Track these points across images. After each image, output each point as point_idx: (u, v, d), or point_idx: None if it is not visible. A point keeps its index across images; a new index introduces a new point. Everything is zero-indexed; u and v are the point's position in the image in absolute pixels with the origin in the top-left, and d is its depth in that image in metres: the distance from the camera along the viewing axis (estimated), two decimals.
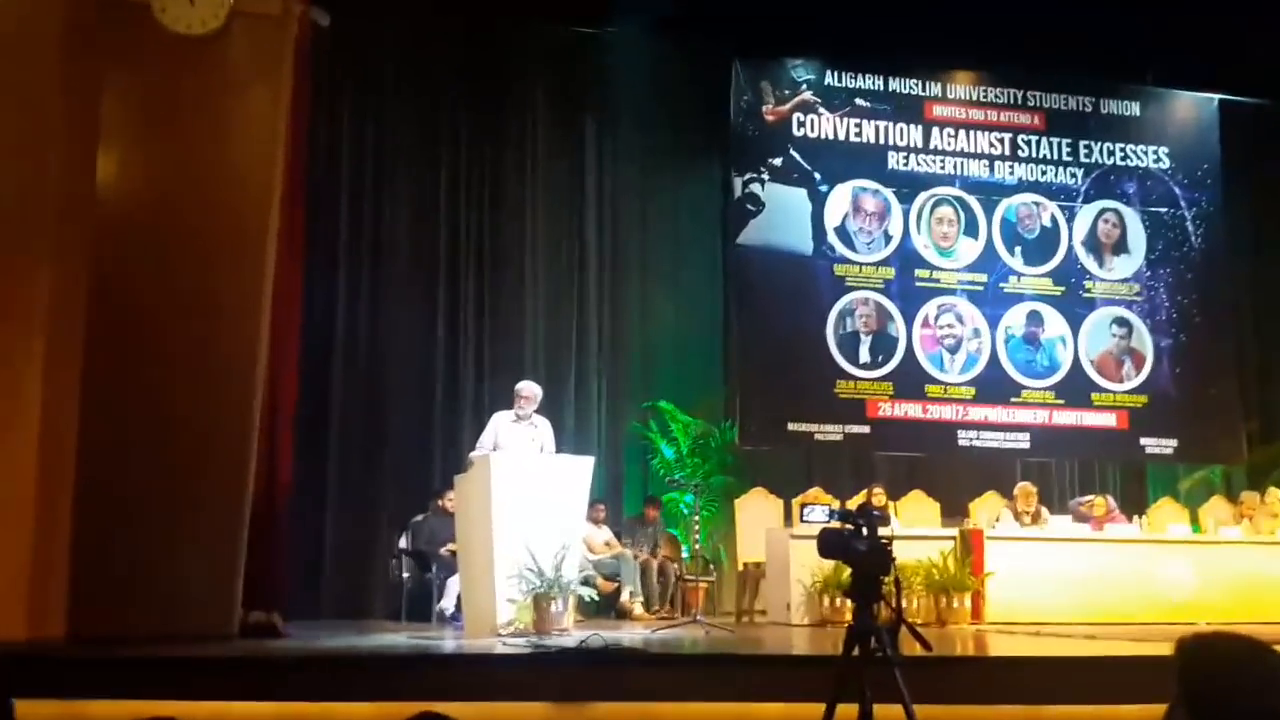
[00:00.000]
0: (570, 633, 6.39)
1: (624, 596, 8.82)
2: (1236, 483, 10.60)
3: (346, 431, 9.62)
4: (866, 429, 10.34)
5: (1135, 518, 9.66)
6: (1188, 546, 9.03)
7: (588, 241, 10.70)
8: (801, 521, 8.34)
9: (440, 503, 8.68)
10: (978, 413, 10.57)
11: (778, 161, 10.59)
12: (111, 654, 5.27)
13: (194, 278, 6.54)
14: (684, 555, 9.64)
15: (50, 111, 6.37)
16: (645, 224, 10.95)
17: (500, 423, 7.43)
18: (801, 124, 10.69)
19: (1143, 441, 10.85)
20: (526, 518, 6.58)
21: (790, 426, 10.22)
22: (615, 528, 9.58)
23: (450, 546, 8.02)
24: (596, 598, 8.14)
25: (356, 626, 8.00)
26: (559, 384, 10.24)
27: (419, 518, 8.82)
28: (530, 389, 7.49)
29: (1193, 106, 11.50)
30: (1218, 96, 11.41)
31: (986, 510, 9.47)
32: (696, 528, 8.87)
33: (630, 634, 6.92)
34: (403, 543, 8.82)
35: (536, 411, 7.48)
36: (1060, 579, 8.49)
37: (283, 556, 7.27)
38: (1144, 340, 11.04)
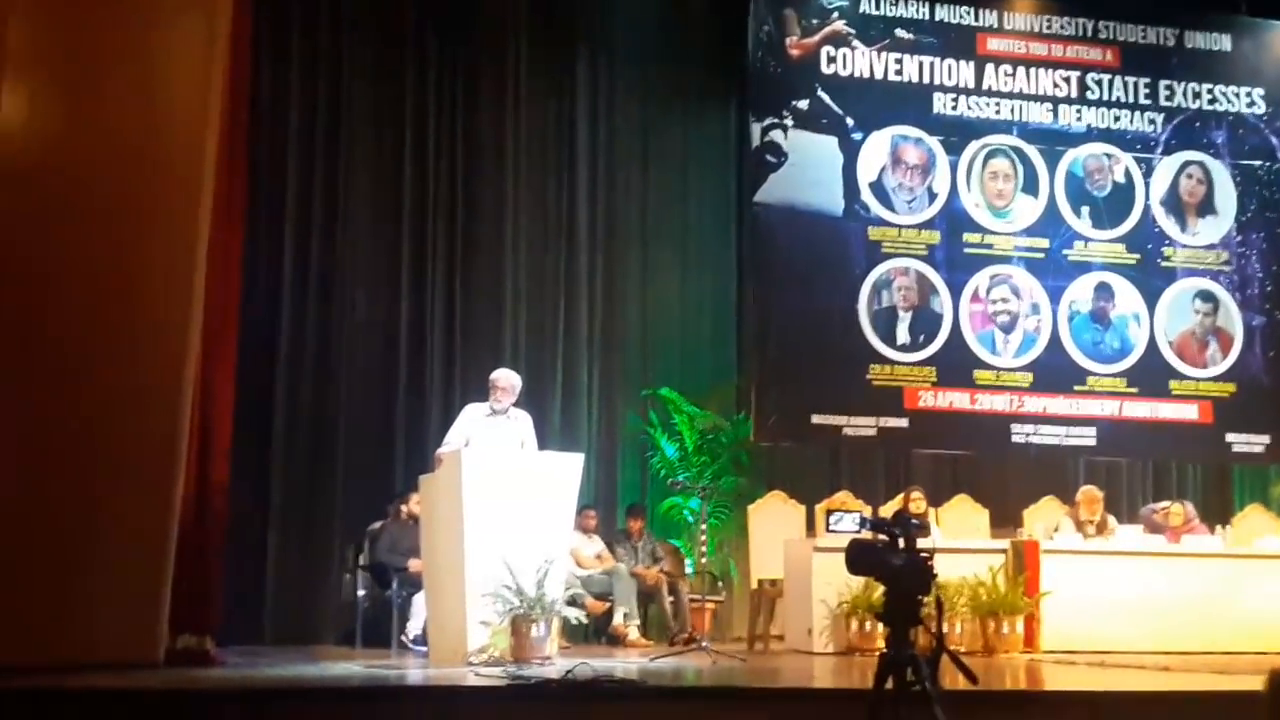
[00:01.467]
0: (554, 661, 6.44)
1: (617, 619, 8.86)
2: None
3: (293, 426, 9.63)
4: (904, 422, 10.36)
5: (1218, 528, 9.71)
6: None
7: (578, 201, 10.71)
8: (827, 531, 8.30)
9: (402, 508, 8.70)
10: (1035, 403, 10.60)
11: (803, 104, 10.57)
12: (19, 684, 5.29)
13: (111, 248, 6.38)
14: (688, 571, 9.68)
15: None
16: (646, 179, 10.96)
17: (472, 417, 7.46)
18: (832, 60, 10.68)
19: (1229, 438, 10.88)
20: (504, 525, 6.61)
21: (815, 419, 10.24)
22: (608, 538, 9.62)
23: (414, 561, 8.04)
24: (585, 620, 8.21)
25: (304, 653, 8.02)
26: (543, 370, 10.28)
27: (377, 526, 8.84)
28: (508, 379, 7.52)
29: None
30: None
31: (1043, 519, 9.50)
32: (703, 538, 8.93)
33: (624, 663, 6.96)
34: (360, 557, 8.84)
35: (515, 404, 7.51)
36: (1129, 600, 8.52)
37: (218, 572, 7.29)
38: (1232, 318, 11.06)
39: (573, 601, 7.60)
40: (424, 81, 10.32)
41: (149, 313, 6.58)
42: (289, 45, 9.87)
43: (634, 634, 8.85)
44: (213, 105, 6.83)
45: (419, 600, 8.02)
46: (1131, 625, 8.37)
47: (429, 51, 10.36)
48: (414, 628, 8.18)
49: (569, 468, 7.10)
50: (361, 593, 8.67)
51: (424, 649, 7.73)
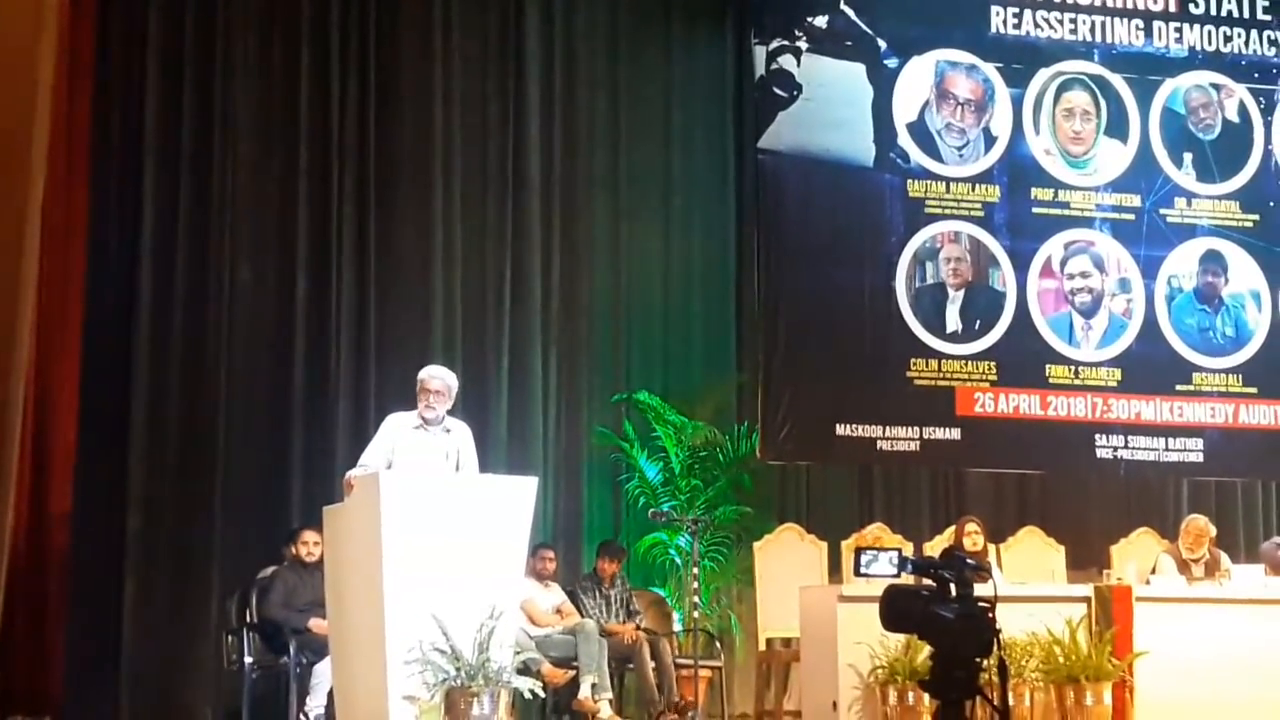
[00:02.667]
0: None
1: (583, 691, 8.79)
2: None
3: (156, 445, 9.56)
4: (956, 433, 10.41)
5: None
6: None
7: (528, 147, 10.65)
8: (856, 575, 8.28)
9: (296, 550, 8.65)
10: (1125, 408, 10.66)
11: (821, 21, 10.61)
12: None
13: None
14: (675, 628, 9.65)
15: None
16: (618, 119, 10.93)
17: (396, 429, 7.43)
18: None
19: None
20: (435, 570, 6.59)
21: (840, 430, 10.27)
22: (571, 586, 9.57)
23: (316, 620, 8.00)
24: (541, 693, 8.15)
25: None
26: (485, 368, 10.25)
27: (267, 573, 8.79)
28: (442, 379, 7.48)
29: None
30: None
31: (1137, 557, 9.51)
32: (695, 586, 8.90)
33: None
34: (247, 613, 8.78)
35: (451, 412, 7.47)
36: (1248, 660, 8.52)
37: (58, 639, 7.26)
38: None
39: (525, 669, 7.55)
40: (324, 5, 10.23)
41: None
42: None
43: (605, 710, 8.78)
44: (46, 25, 6.80)
45: (322, 669, 7.98)
46: (1251, 693, 8.36)
47: None
48: (316, 705, 8.12)
49: (520, 495, 7.07)
50: (249, 660, 8.59)
51: None
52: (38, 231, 6.76)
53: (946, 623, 3.99)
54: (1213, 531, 9.50)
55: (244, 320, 9.84)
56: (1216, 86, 11.13)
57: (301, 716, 8.21)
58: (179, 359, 9.64)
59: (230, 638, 8.85)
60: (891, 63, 10.66)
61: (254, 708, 8.46)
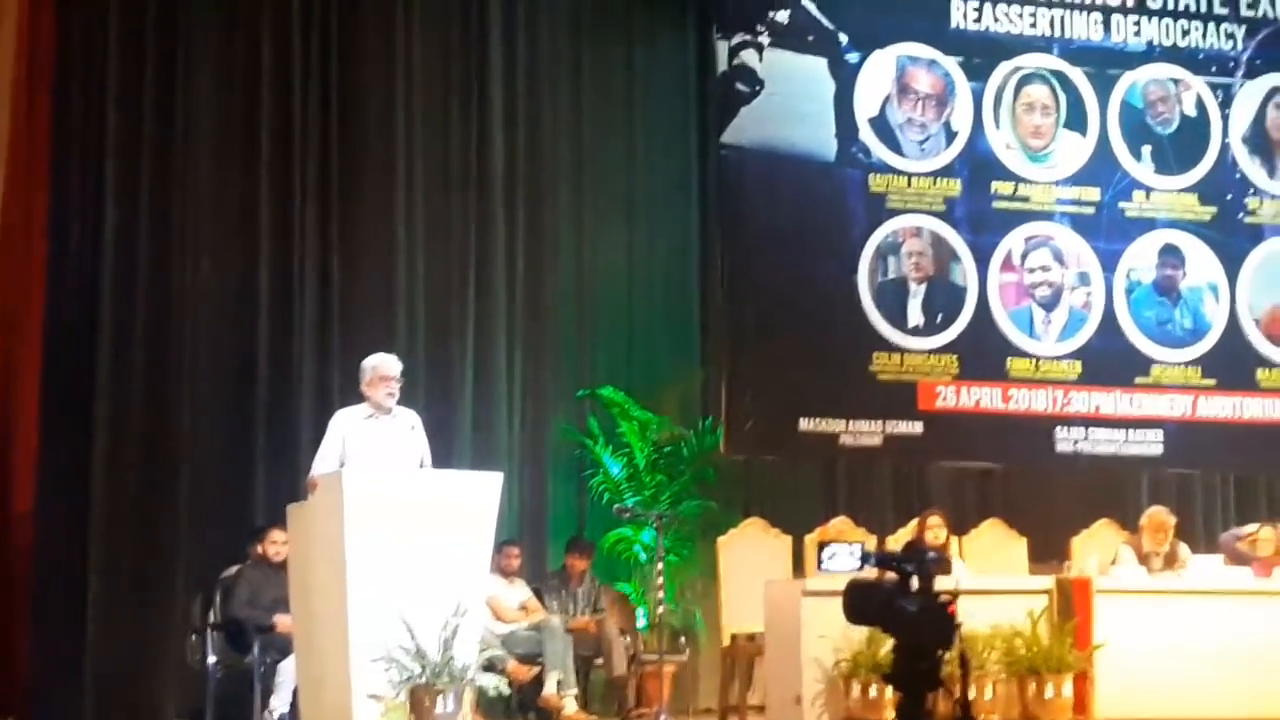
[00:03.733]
0: None
1: (549, 688, 8.81)
2: None
3: (119, 442, 9.53)
4: (918, 427, 10.43)
5: None
6: None
7: (490, 148, 10.65)
8: (819, 569, 8.39)
9: (262, 549, 8.64)
10: (1084, 400, 10.70)
11: (783, 16, 10.60)
12: None
13: None
14: (640, 624, 9.67)
15: None
16: (580, 118, 10.92)
17: (347, 424, 7.41)
18: None
19: None
20: (399, 567, 6.59)
21: (803, 425, 10.28)
22: (536, 583, 9.59)
23: (281, 617, 7.99)
24: (506, 691, 8.15)
25: None
26: (449, 363, 10.26)
27: (232, 572, 8.78)
28: (388, 365, 7.47)
29: None
30: None
31: (1098, 549, 9.55)
32: (659, 581, 8.91)
33: None
34: (211, 612, 8.77)
35: (402, 403, 7.48)
36: (1208, 652, 8.55)
37: (22, 634, 7.24)
38: None
39: (490, 666, 7.56)
40: (285, 5, 10.21)
41: None
42: None
43: (571, 706, 8.80)
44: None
45: (287, 667, 7.97)
46: (1212, 684, 8.39)
47: None
48: (280, 703, 8.11)
49: (485, 491, 7.08)
50: (213, 659, 8.58)
51: None
52: None
53: (909, 616, 4.03)
54: (1173, 523, 9.55)
55: (206, 318, 9.82)
56: (1174, 80, 11.18)
57: (266, 715, 8.19)
58: (141, 357, 9.61)
59: (194, 637, 8.85)
60: (853, 57, 10.67)
61: (218, 707, 8.47)
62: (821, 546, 8.60)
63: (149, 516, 9.51)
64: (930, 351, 10.49)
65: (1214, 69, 11.24)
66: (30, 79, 7.14)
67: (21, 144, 6.96)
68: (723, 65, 10.45)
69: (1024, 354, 10.63)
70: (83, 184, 9.33)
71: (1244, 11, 11.33)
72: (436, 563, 6.69)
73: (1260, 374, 10.95)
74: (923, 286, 10.57)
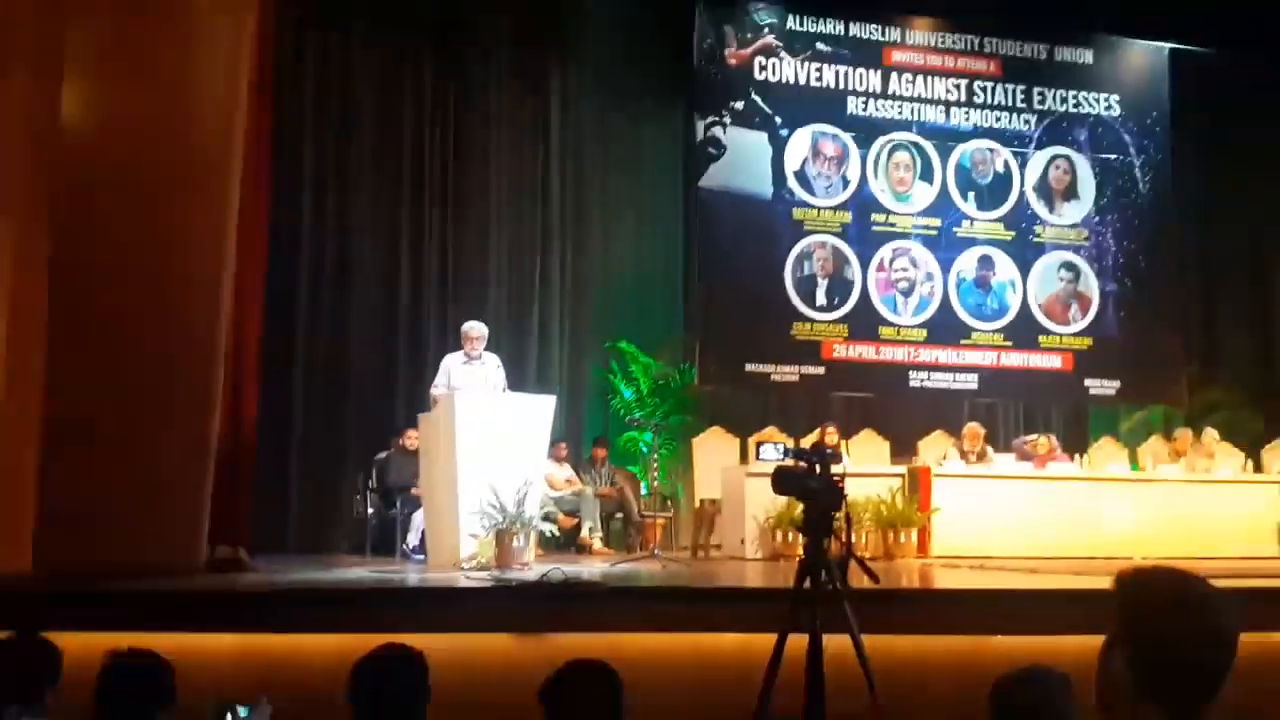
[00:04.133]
0: (531, 567, 6.44)
1: (584, 532, 8.86)
2: (1175, 424, 10.73)
3: (311, 369, 9.58)
4: (822, 370, 10.40)
5: (1076, 456, 9.81)
6: (1126, 484, 9.21)
7: (550, 182, 10.64)
8: (756, 459, 8.30)
9: (402, 441, 8.66)
10: (928, 354, 10.66)
11: (739, 105, 10.52)
12: (79, 588, 5.24)
13: (158, 210, 6.36)
14: (642, 492, 9.70)
15: (16, 40, 6.22)
16: (608, 166, 10.90)
17: (451, 364, 7.42)
18: (763, 68, 10.62)
19: (1086, 383, 10.99)
20: (489, 455, 6.60)
21: (748, 367, 10.26)
22: (576, 465, 9.61)
23: (416, 489, 7.99)
24: (557, 533, 8.20)
25: (322, 561, 7.98)
26: (521, 323, 10.25)
27: (382, 455, 8.80)
28: (476, 328, 7.48)
29: (1144, 55, 11.51)
30: (1169, 45, 11.40)
31: (934, 449, 9.57)
32: (655, 466, 8.93)
33: (589, 568, 6.96)
34: (369, 481, 8.79)
35: (489, 350, 7.47)
36: (1004, 515, 8.62)
37: (249, 492, 7.24)
38: (1090, 285, 11.14)
39: (547, 517, 7.59)
40: (421, 79, 10.21)
41: (190, 265, 6.51)
42: (306, 47, 9.68)
43: (598, 544, 8.85)
44: (241, 94, 6.74)
45: (418, 516, 7.99)
46: (1006, 536, 8.46)
47: (426, 54, 10.23)
48: (413, 539, 8.14)
49: (543, 408, 7.08)
50: (370, 510, 8.62)
51: (422, 557, 7.70)
52: (234, 231, 6.68)
53: (814, 490, 4.01)
54: (983, 433, 9.56)
55: (367, 291, 9.87)
56: (990, 150, 11.08)
57: (403, 546, 8.23)
58: (326, 313, 9.69)
59: (358, 496, 8.89)
60: (784, 132, 10.58)
61: (373, 541, 8.49)
62: (758, 445, 8.58)
63: (330, 419, 9.54)
64: (830, 322, 10.44)
65: (1015, 143, 11.15)
66: (256, 124, 7.06)
67: (250, 174, 6.90)
68: (699, 136, 10.36)
69: (889, 324, 10.58)
70: (289, 206, 9.31)
71: (1035, 106, 11.23)
72: (513, 452, 6.70)
73: (1041, 339, 10.91)
74: (826, 280, 10.52)
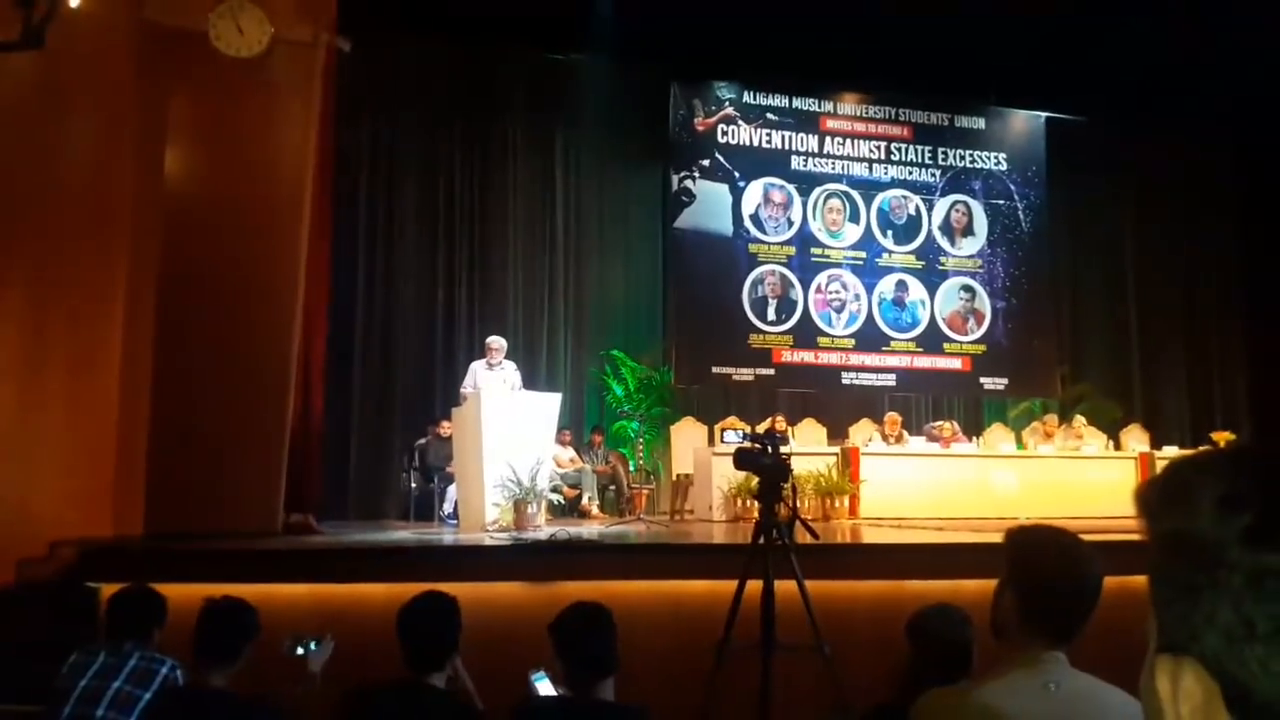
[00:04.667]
0: (542, 529, 6.40)
1: (584, 501, 8.82)
2: (1051, 413, 10.74)
3: (367, 374, 9.52)
4: (772, 371, 10.41)
5: (974, 438, 9.83)
6: (1013, 460, 9.21)
7: (556, 227, 10.57)
8: (721, 442, 8.39)
9: (438, 430, 8.61)
10: (857, 359, 10.67)
11: (706, 163, 10.53)
12: (182, 547, 5.20)
13: (244, 253, 6.43)
14: (631, 469, 9.68)
15: (127, 118, 6.23)
16: (602, 213, 10.85)
17: (477, 369, 7.40)
18: (725, 133, 10.63)
19: (981, 380, 11.02)
20: (509, 440, 6.56)
21: (714, 370, 10.27)
22: (578, 448, 9.56)
23: (450, 465, 7.95)
24: (563, 501, 8.16)
25: (375, 525, 7.94)
26: (535, 337, 10.19)
27: (422, 441, 8.75)
28: (497, 341, 7.45)
29: (1025, 121, 11.55)
30: (1045, 114, 11.45)
31: (862, 433, 9.57)
32: (641, 448, 8.92)
33: (588, 530, 6.95)
34: (413, 460, 8.74)
35: (507, 358, 7.44)
36: (917, 485, 8.62)
37: (317, 470, 7.21)
38: (984, 303, 11.17)
39: (555, 489, 7.53)
40: (452, 143, 10.13)
41: (270, 296, 6.52)
42: (362, 122, 9.62)
43: (595, 511, 8.81)
44: (309, 161, 6.75)
45: (451, 490, 7.94)
46: (919, 501, 8.46)
47: (458, 125, 10.17)
48: (448, 508, 8.09)
49: (551, 403, 7.04)
50: (413, 485, 8.58)
51: (455, 522, 7.66)
52: (304, 269, 6.67)
53: (766, 465, 4.01)
54: (900, 419, 9.56)
55: (410, 315, 9.80)
56: (904, 197, 11.12)
57: (440, 513, 8.18)
58: (377, 332, 9.60)
59: (404, 474, 8.83)
60: (741, 184, 10.59)
61: (416, 509, 8.43)
62: (721, 431, 8.60)
63: (381, 412, 9.49)
64: (779, 333, 10.45)
65: (924, 191, 11.19)
66: (320, 184, 7.05)
67: (315, 224, 6.89)
68: (674, 188, 10.39)
69: (826, 334, 10.59)
70: (347, 248, 9.26)
71: (939, 162, 11.27)
72: (528, 438, 6.66)
73: (945, 346, 10.94)
74: (775, 300, 10.52)
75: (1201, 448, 0.87)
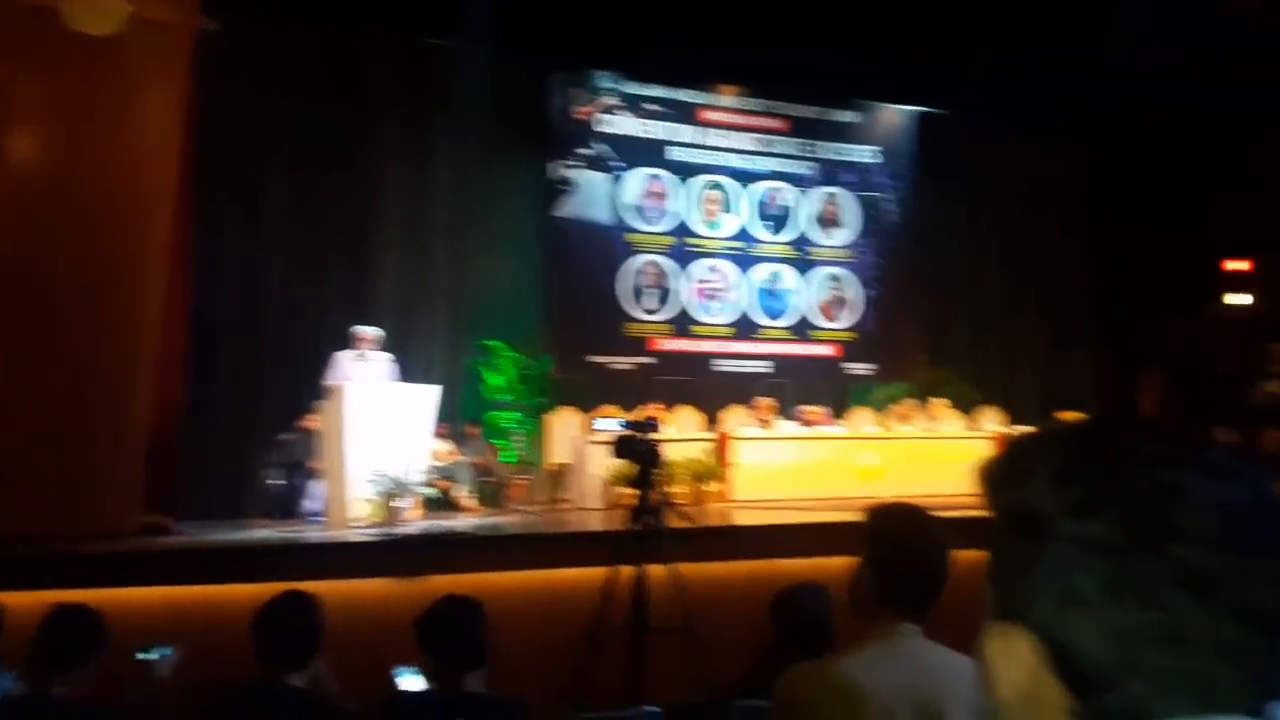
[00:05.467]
0: (414, 523, 6.27)
1: (460, 493, 8.66)
2: (914, 398, 11.11)
3: (232, 367, 9.03)
4: (650, 359, 10.46)
5: (840, 420, 10.10)
6: (877, 441, 9.51)
7: (433, 215, 10.24)
8: (594, 430, 8.37)
9: (302, 423, 8.29)
10: (732, 347, 10.84)
11: (585, 151, 10.49)
12: (24, 552, 4.85)
13: (91, 242, 6.10)
14: (512, 459, 9.55)
15: None
16: (480, 202, 10.55)
17: (342, 360, 7.17)
18: (603, 122, 10.60)
19: (850, 366, 11.35)
20: (379, 434, 6.40)
21: (592, 358, 10.24)
22: (456, 440, 9.35)
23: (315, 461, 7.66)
24: (437, 494, 7.98)
25: (237, 524, 7.57)
26: (412, 325, 9.88)
27: (288, 435, 8.40)
28: (366, 331, 7.25)
29: (897, 116, 11.90)
30: (916, 109, 11.82)
31: (737, 418, 9.70)
32: (519, 437, 8.83)
33: (463, 522, 6.83)
34: (277, 455, 8.38)
35: (382, 349, 7.22)
36: (788, 467, 8.80)
37: (176, 468, 6.86)
38: (854, 292, 11.50)
39: (430, 484, 7.37)
40: (325, 129, 9.62)
41: (121, 285, 6.19)
42: (232, 103, 9.04)
43: (472, 503, 8.66)
44: (172, 146, 6.41)
45: (317, 487, 7.66)
46: (789, 482, 8.59)
47: (328, 114, 9.61)
48: (313, 505, 7.80)
49: (429, 396, 6.90)
50: (280, 481, 8.22)
51: (321, 519, 7.40)
52: (162, 254, 6.34)
53: (640, 452, 4.02)
54: (772, 404, 9.74)
55: (278, 301, 9.32)
56: (779, 189, 11.34)
57: (303, 510, 7.83)
58: (243, 320, 9.14)
59: (267, 469, 8.47)
60: (621, 173, 10.61)
61: (279, 507, 8.05)
62: (596, 420, 8.59)
63: (245, 406, 9.04)
64: (656, 322, 10.53)
65: (798, 184, 11.43)
66: (183, 167, 6.70)
67: (178, 210, 6.55)
68: (553, 176, 10.32)
69: (702, 323, 10.73)
70: (211, 233, 8.64)
71: (814, 155, 11.54)
72: (399, 431, 6.51)
73: (816, 333, 11.25)
74: (653, 290, 10.58)
75: (1041, 426, 0.89)
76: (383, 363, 7.18)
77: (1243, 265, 11.41)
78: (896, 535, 1.86)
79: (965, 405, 10.62)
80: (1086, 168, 12.35)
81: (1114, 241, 11.94)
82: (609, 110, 10.61)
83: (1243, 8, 8.66)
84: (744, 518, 6.96)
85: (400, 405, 6.64)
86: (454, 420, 9.75)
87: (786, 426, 9.51)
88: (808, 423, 9.58)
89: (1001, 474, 0.77)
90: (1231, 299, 11.38)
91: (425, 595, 3.02)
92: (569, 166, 10.40)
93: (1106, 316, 12.14)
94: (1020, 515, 0.72)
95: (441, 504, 8.52)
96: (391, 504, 6.22)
